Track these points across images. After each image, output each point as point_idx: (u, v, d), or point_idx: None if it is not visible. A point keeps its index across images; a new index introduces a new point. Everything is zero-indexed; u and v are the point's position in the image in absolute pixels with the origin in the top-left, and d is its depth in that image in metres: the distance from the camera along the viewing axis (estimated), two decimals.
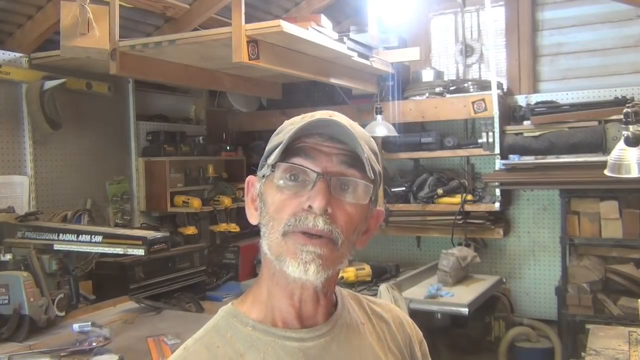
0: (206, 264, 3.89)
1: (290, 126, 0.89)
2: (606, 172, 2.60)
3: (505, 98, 4.10)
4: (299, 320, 0.89)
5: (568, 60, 4.16)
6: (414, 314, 3.02)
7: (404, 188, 4.19)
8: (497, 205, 3.91)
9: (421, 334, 1.07)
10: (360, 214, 0.88)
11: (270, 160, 0.86)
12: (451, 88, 4.12)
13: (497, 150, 3.87)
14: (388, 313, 1.03)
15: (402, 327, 1.03)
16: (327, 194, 0.83)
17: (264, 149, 0.92)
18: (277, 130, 0.93)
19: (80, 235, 2.64)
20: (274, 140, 0.90)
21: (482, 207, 3.98)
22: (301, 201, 0.83)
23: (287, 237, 0.84)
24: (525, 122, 3.90)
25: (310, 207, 0.82)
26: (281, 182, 0.85)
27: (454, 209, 3.99)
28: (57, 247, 2.69)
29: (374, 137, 0.99)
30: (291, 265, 0.83)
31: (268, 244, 0.86)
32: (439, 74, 4.37)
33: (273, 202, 0.86)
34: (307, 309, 0.90)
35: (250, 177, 0.95)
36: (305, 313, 0.90)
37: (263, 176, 0.89)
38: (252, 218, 0.92)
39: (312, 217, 0.82)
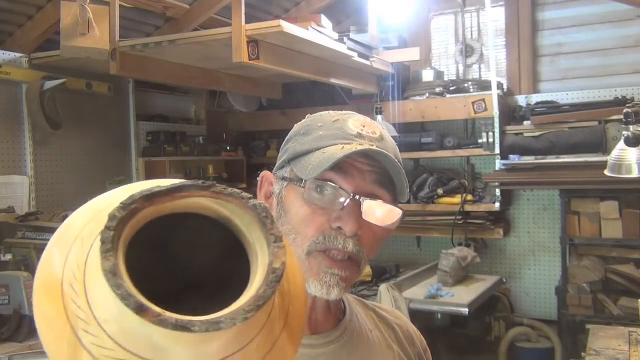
0: None
1: (319, 130, 0.84)
2: (606, 172, 2.60)
3: (505, 98, 4.10)
4: (309, 326, 0.87)
5: (568, 60, 4.16)
6: (414, 314, 3.02)
7: None
8: (497, 205, 3.91)
9: (425, 342, 1.05)
10: (386, 233, 0.86)
11: (305, 174, 0.80)
12: (451, 88, 4.12)
13: (497, 150, 3.87)
14: (395, 320, 1.02)
15: (412, 341, 1.01)
16: (359, 217, 0.79)
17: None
18: (301, 129, 0.87)
19: None
20: (301, 142, 0.84)
21: (482, 207, 3.98)
22: (329, 219, 0.80)
23: (311, 257, 0.80)
24: (525, 122, 3.90)
25: (340, 228, 0.79)
26: (309, 194, 0.80)
27: (454, 209, 3.99)
28: None
29: None
30: (313, 286, 0.80)
31: None
32: (439, 74, 4.37)
33: (297, 213, 0.81)
34: (318, 317, 0.88)
35: (265, 173, 0.90)
36: (315, 320, 0.87)
37: (283, 178, 0.85)
38: None
39: (342, 239, 0.79)
